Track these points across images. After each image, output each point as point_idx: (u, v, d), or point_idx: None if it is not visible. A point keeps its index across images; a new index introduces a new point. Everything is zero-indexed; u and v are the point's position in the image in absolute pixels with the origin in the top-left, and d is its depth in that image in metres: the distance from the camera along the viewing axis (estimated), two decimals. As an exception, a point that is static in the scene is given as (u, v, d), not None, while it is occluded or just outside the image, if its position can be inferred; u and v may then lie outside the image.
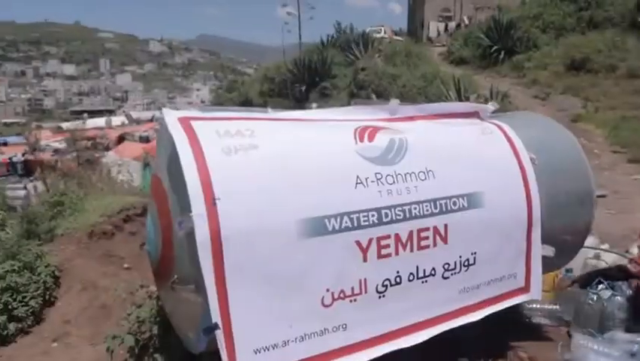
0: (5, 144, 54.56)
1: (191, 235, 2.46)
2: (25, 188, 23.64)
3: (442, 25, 40.77)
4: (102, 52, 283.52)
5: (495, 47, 26.14)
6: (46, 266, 5.33)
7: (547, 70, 23.08)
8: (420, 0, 45.22)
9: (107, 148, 27.75)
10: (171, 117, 2.69)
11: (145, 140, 28.44)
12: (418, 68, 22.87)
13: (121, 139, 30.60)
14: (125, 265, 5.89)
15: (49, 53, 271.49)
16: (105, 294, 5.01)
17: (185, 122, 2.67)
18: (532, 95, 21.20)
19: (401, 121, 3.42)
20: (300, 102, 23.54)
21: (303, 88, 24.33)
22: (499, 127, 3.76)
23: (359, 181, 2.88)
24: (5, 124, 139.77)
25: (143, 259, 5.38)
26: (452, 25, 40.28)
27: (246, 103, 29.43)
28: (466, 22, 39.43)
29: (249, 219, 2.54)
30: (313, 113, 3.32)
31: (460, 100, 16.22)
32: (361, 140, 3.03)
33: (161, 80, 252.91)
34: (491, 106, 3.91)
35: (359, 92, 21.58)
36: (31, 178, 27.24)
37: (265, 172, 2.64)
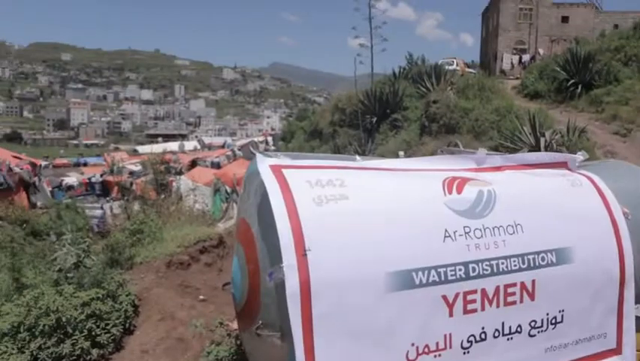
0: (85, 164, 57.39)
1: (280, 284, 2.49)
2: (101, 208, 24.68)
3: (515, 58, 40.13)
4: (178, 78, 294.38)
5: (572, 81, 25.40)
6: (127, 295, 5.50)
7: (629, 105, 22.18)
8: (493, 32, 44.74)
9: (180, 172, 28.64)
10: (264, 164, 2.76)
11: (216, 166, 29.20)
12: (490, 102, 22.48)
13: (193, 164, 31.48)
14: (201, 297, 6.01)
15: (129, 79, 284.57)
16: (182, 326, 5.11)
17: (277, 170, 2.73)
18: (612, 131, 20.42)
19: (488, 171, 3.37)
20: (371, 133, 23.57)
21: (374, 119, 24.36)
22: (589, 178, 3.63)
23: (447, 234, 2.85)
24: (86, 145, 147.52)
25: (218, 292, 5.49)
26: (526, 57, 39.59)
27: (316, 132, 29.74)
28: (541, 54, 38.64)
29: (338, 270, 2.55)
30: (401, 162, 3.32)
31: (535, 135, 15.83)
32: (450, 192, 3.00)
33: (233, 107, 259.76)
34: (580, 156, 3.79)
35: (430, 125, 21.43)
36: (108, 199, 28.45)
37: (355, 223, 2.65)
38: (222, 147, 46.43)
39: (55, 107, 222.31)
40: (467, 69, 35.05)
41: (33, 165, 19.76)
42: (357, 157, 3.16)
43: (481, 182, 3.17)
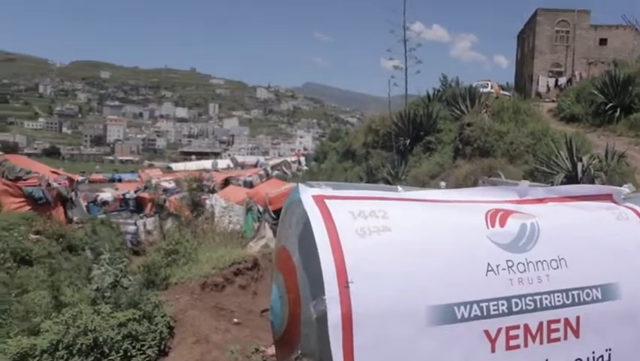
0: (120, 180, 58.53)
1: (322, 315, 2.49)
2: (135, 224, 25.12)
3: (551, 81, 39.67)
4: (212, 97, 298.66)
5: (610, 104, 24.97)
6: (162, 316, 5.56)
7: (672, 130, 21.74)
8: (528, 54, 44.38)
9: (213, 190, 28.96)
10: (306, 194, 2.77)
11: (249, 185, 29.47)
12: (526, 125, 22.21)
13: (226, 182, 31.81)
14: (235, 320, 6.02)
15: (165, 97, 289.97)
16: (217, 350, 5.12)
17: (320, 200, 2.73)
18: (652, 156, 19.97)
19: (531, 203, 3.32)
20: (404, 155, 23.48)
21: (407, 141, 24.31)
22: (636, 211, 3.55)
23: (490, 268, 2.81)
24: (121, 161, 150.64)
25: (252, 315, 5.51)
26: (563, 80, 39.09)
27: (349, 153, 29.76)
28: (578, 77, 38.13)
29: (380, 303, 2.54)
30: (443, 193, 3.30)
31: (572, 160, 15.58)
32: (492, 224, 2.96)
33: (266, 126, 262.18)
34: (627, 189, 3.71)
35: (464, 148, 21.26)
36: (141, 215, 28.90)
37: (397, 256, 2.64)
38: (255, 166, 46.89)
39: (93, 124, 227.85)
40: (502, 92, 34.77)
41: (70, 180, 20.21)
42: (399, 187, 3.15)
43: (524, 214, 3.12)
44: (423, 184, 21.10)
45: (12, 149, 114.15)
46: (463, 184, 19.09)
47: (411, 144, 24.48)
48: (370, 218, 2.69)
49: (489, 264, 2.80)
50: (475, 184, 18.64)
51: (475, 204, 3.11)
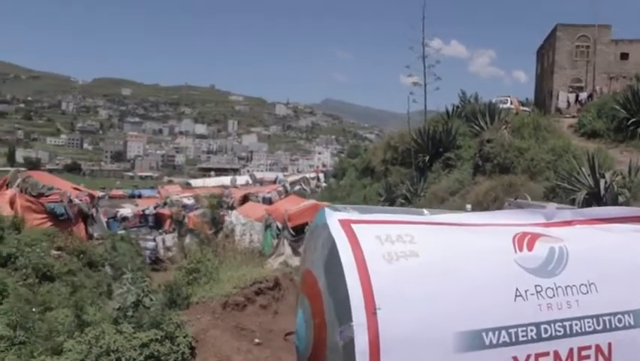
0: (140, 196, 58.97)
1: (349, 341, 2.47)
2: (154, 240, 25.25)
3: (572, 96, 39.30)
4: (232, 113, 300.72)
5: (633, 119, 24.62)
6: (184, 336, 5.55)
7: (695, 144, 21.35)
8: (548, 70, 44.11)
9: (232, 207, 28.99)
10: (332, 219, 2.76)
11: (268, 201, 29.40)
12: (546, 141, 21.95)
13: (245, 199, 31.77)
14: (257, 340, 6.00)
15: (184, 113, 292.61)
16: (239, 371, 5.10)
17: (347, 225, 2.73)
18: (676, 172, 19.60)
19: (559, 226, 3.28)
20: (423, 172, 23.34)
21: (427, 158, 24.15)
22: (667, 234, 3.49)
23: (518, 293, 2.77)
24: (141, 177, 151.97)
25: (273, 335, 5.48)
26: (583, 95, 38.71)
27: (368, 170, 29.64)
28: (599, 92, 37.75)
29: (408, 329, 2.51)
30: (469, 216, 3.27)
31: (594, 177, 15.35)
32: (520, 248, 2.93)
33: (284, 142, 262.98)
34: (656, 210, 3.65)
35: (484, 165, 21.07)
36: (160, 231, 29.06)
37: (424, 281, 2.62)
38: (274, 182, 46.87)
39: (113, 140, 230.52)
40: (522, 107, 34.47)
41: (91, 196, 20.37)
42: (425, 210, 3.13)
43: (552, 238, 3.08)
44: (442, 201, 20.96)
45: (35, 164, 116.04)
46: (484, 201, 18.91)
47: (430, 160, 24.31)
48: (397, 243, 2.67)
49: (517, 289, 2.77)
50: (495, 201, 18.47)
51: (501, 228, 3.08)
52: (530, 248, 2.95)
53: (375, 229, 2.75)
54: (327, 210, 2.85)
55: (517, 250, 2.92)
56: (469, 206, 3.45)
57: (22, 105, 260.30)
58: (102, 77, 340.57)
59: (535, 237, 3.02)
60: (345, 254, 2.57)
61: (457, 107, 29.95)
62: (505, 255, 2.88)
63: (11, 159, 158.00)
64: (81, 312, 5.93)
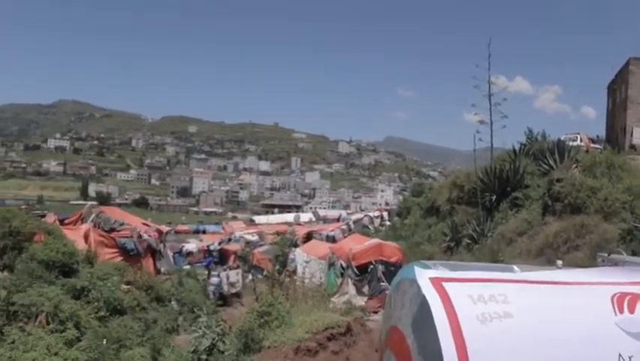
0: (204, 231, 60.22)
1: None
2: (218, 276, 25.64)
3: (647, 132, 37.79)
4: (295, 150, 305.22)
5: None
6: (258, 381, 5.56)
7: None
8: (621, 105, 42.63)
9: (296, 244, 29.16)
10: (423, 277, 2.72)
11: (331, 239, 29.42)
12: (621, 180, 21.10)
13: (309, 236, 31.91)
14: (330, 387, 5.93)
15: (248, 150, 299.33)
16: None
17: (437, 284, 2.68)
18: None
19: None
20: (490, 212, 22.84)
21: (493, 197, 23.63)
22: None
23: (622, 360, 2.62)
24: (205, 212, 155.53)
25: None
26: (660, 131, 37.17)
27: (433, 209, 29.26)
28: (677, 128, 36.19)
29: (503, 395, 2.42)
30: (563, 273, 3.15)
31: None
32: (621, 310, 2.78)
33: (347, 180, 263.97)
34: None
35: (554, 205, 20.43)
36: (225, 267, 29.49)
37: (519, 344, 2.53)
38: (337, 220, 46.83)
39: (180, 176, 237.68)
40: (592, 145, 33.41)
41: (159, 232, 20.98)
42: (515, 267, 3.05)
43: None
44: (510, 242, 20.39)
45: (105, 199, 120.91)
46: (554, 242, 18.28)
47: (497, 200, 23.74)
48: (490, 303, 2.60)
49: (620, 355, 2.62)
50: (566, 243, 17.83)
51: (598, 287, 2.94)
52: (632, 310, 2.78)
53: (467, 287, 2.68)
54: (416, 267, 2.81)
55: (618, 311, 2.77)
56: (560, 262, 3.30)
57: (95, 142, 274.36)
58: (170, 115, 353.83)
59: (636, 297, 2.86)
60: (439, 314, 2.52)
61: (524, 144, 29.25)
62: (604, 317, 2.73)
63: (84, 193, 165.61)
64: (158, 354, 6.04)
